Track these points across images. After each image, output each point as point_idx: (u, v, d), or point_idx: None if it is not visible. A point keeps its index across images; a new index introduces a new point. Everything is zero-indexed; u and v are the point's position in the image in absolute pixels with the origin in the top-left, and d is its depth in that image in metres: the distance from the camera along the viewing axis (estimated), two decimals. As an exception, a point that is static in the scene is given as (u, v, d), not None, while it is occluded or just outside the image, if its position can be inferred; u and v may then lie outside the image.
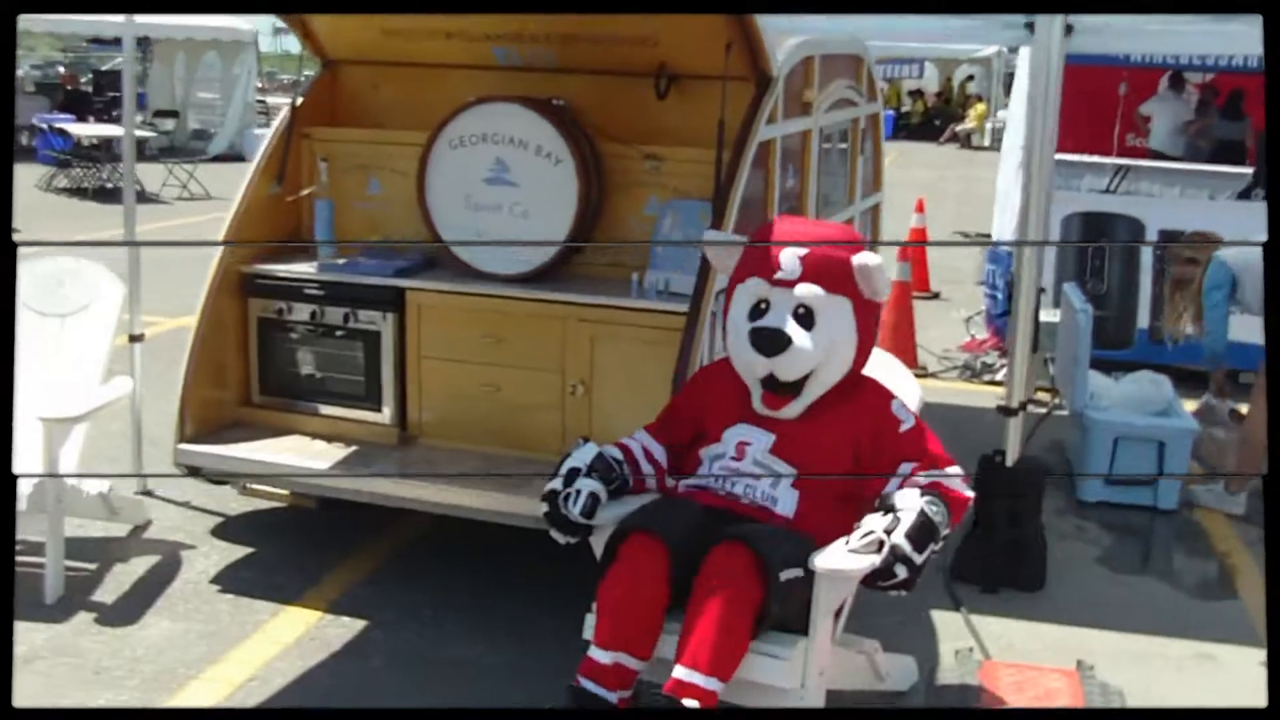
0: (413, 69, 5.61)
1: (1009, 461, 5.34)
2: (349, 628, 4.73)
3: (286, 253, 5.51)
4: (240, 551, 5.33)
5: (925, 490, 3.78)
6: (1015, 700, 4.34)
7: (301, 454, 5.07)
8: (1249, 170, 11.23)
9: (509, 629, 4.74)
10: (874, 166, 6.94)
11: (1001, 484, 5.31)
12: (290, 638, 4.64)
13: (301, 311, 5.28)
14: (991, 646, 4.82)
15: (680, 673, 3.53)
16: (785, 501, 3.87)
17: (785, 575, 3.58)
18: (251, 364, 5.39)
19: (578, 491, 3.86)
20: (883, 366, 4.37)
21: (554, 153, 5.05)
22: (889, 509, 3.76)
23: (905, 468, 3.86)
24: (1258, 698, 4.41)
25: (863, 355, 4.02)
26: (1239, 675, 4.71)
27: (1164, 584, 5.61)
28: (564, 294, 4.98)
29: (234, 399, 5.38)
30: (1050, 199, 5.38)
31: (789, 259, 3.90)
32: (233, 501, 5.74)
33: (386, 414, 5.24)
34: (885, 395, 4.06)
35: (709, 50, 4.88)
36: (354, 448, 5.13)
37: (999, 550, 5.31)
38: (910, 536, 3.65)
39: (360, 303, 5.19)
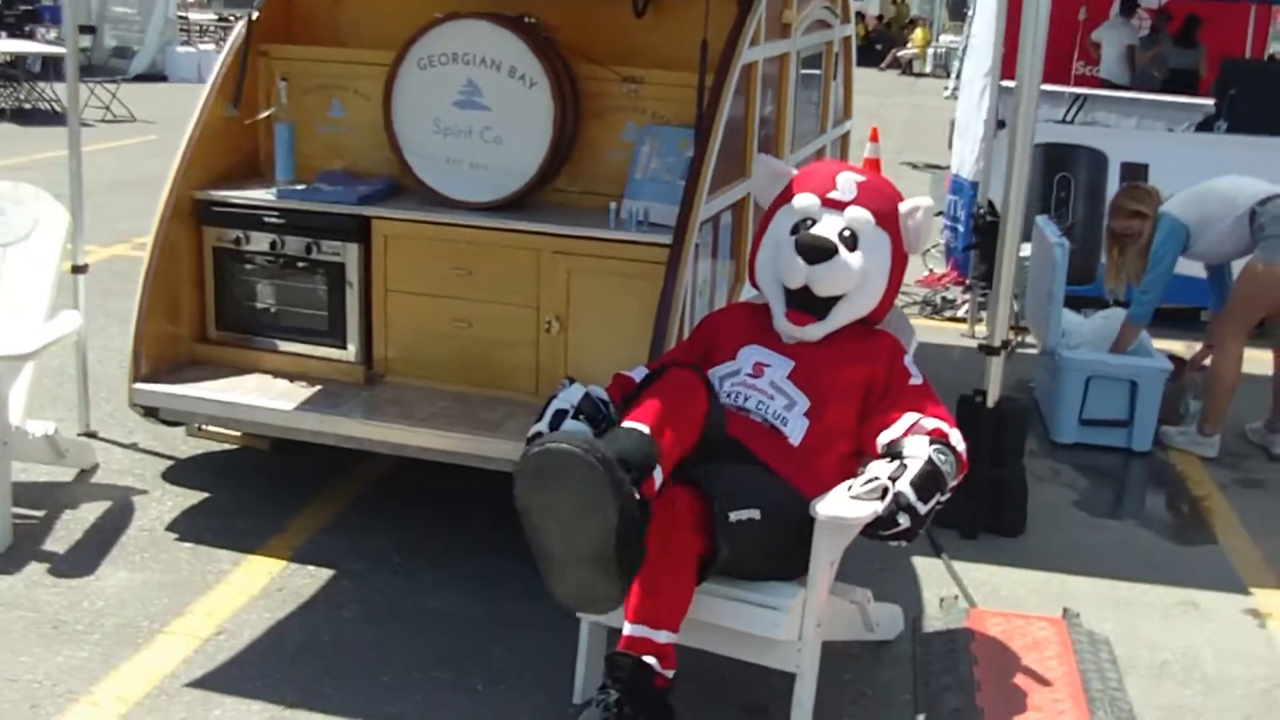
0: (376, -19, 5.30)
1: (990, 402, 5.20)
2: (316, 577, 4.50)
3: (242, 178, 5.20)
4: (195, 496, 5.07)
5: (934, 439, 3.64)
6: (1006, 647, 4.23)
7: (264, 393, 4.79)
8: (1207, 102, 11.11)
9: (484, 578, 4.54)
10: (845, 93, 6.72)
11: (984, 426, 5.17)
12: (255, 588, 4.41)
13: (260, 241, 4.98)
14: (975, 593, 4.70)
15: (629, 629, 3.38)
16: (795, 426, 3.74)
17: (735, 516, 3.41)
18: (207, 297, 5.09)
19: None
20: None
21: (528, 74, 4.78)
22: (895, 456, 3.62)
23: (912, 418, 3.72)
24: (1244, 644, 4.41)
25: (887, 300, 3.95)
26: (1224, 621, 4.64)
27: (1143, 529, 5.51)
28: (539, 224, 4.73)
29: (189, 334, 5.08)
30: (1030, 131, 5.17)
31: (845, 180, 3.89)
32: (182, 444, 5.47)
33: (351, 351, 4.97)
34: (899, 347, 3.98)
35: (689, -35, 4.65)
36: (318, 386, 4.86)
37: (980, 495, 5.15)
38: (916, 485, 3.52)
39: (323, 232, 4.90)
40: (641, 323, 4.60)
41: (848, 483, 3.60)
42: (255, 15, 5.12)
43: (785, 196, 3.99)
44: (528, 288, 4.75)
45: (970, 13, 22.53)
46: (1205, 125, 10.06)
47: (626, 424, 3.41)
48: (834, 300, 3.85)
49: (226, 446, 5.46)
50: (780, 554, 3.59)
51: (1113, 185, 8.56)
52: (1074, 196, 8.85)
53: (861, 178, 3.94)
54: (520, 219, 4.75)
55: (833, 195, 3.88)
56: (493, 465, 4.51)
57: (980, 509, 5.16)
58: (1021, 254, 7.40)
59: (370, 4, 5.36)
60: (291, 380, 4.92)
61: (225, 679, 3.86)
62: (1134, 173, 8.75)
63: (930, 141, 16.97)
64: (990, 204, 8.27)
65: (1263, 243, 6.11)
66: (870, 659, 4.19)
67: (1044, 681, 4.03)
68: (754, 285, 4.04)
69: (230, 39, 5.16)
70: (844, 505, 3.50)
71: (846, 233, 3.85)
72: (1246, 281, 6.20)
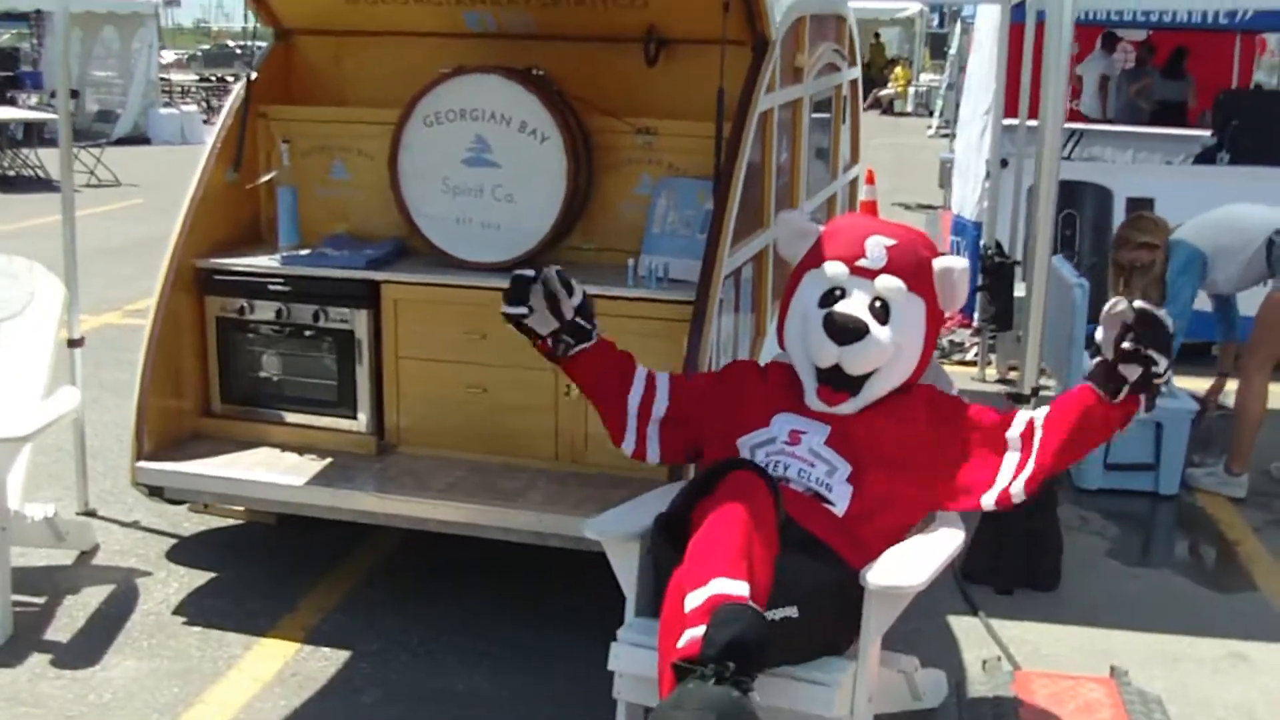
0: (376, 38, 5.14)
1: (1023, 451, 5.03)
2: (332, 660, 4.30)
3: (245, 245, 5.02)
4: (201, 577, 4.86)
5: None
6: (1057, 713, 4.05)
7: (273, 468, 4.60)
8: (1203, 133, 11.04)
9: (509, 656, 4.34)
10: (853, 137, 6.59)
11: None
12: (269, 673, 4.20)
13: (265, 310, 4.80)
14: (1017, 653, 4.51)
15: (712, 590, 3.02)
16: (839, 493, 3.54)
17: (771, 616, 3.11)
18: (211, 369, 4.90)
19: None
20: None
21: (539, 129, 4.63)
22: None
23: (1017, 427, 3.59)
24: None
25: (922, 365, 3.75)
26: (1276, 674, 4.46)
27: (1180, 577, 5.34)
28: (556, 285, 4.55)
29: (193, 408, 4.89)
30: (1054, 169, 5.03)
31: (875, 246, 3.67)
32: (185, 520, 5.26)
33: (362, 421, 4.78)
34: (929, 387, 3.80)
35: (701, 11, 4.51)
36: (329, 459, 4.67)
37: (1013, 548, 4.99)
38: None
39: (330, 298, 4.72)
40: (664, 383, 4.44)
41: (896, 548, 3.44)
42: (254, 75, 4.96)
43: (813, 259, 3.79)
44: (545, 351, 4.57)
45: (950, 50, 22.63)
46: (1205, 157, 9.95)
47: (726, 586, 3.03)
48: (867, 376, 3.67)
49: (231, 522, 5.26)
50: (821, 640, 3.39)
51: (1119, 221, 8.45)
52: (1080, 233, 8.72)
53: (891, 240, 3.71)
54: (536, 279, 4.56)
55: (862, 263, 3.67)
56: (514, 537, 4.34)
57: (1014, 562, 4.99)
58: (1018, 294, 7.30)
59: (371, 62, 5.21)
60: (300, 453, 4.73)
61: (244, 775, 3.66)
62: (1140, 207, 8.59)
63: (919, 181, 16.91)
64: (998, 244, 8.15)
65: (1281, 274, 5.99)
66: (913, 728, 4.01)
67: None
68: (782, 348, 3.85)
69: (229, 101, 4.99)
70: (897, 573, 3.32)
71: (878, 304, 3.65)
72: (1270, 313, 6.07)
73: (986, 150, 8.70)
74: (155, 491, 4.66)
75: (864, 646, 3.37)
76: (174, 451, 4.71)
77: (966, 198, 9.32)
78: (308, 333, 4.77)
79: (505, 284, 4.48)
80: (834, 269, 3.70)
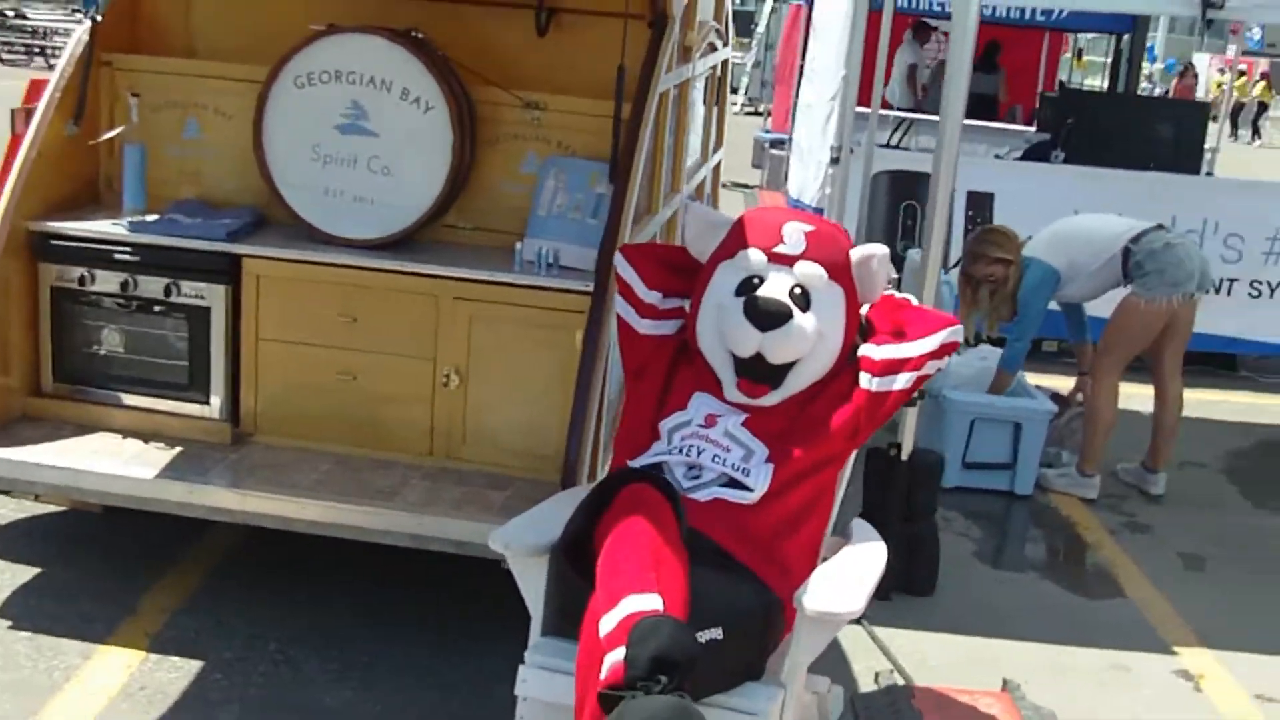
0: (234, -14, 4.69)
1: (905, 453, 4.90)
2: (182, 670, 3.91)
3: (84, 207, 4.53)
4: (25, 573, 4.39)
5: None
6: (957, 730, 3.93)
7: (115, 457, 4.13)
8: (1027, 129, 11.19)
9: (376, 667, 4.01)
10: (720, 119, 6.36)
11: (897, 480, 4.87)
12: (114, 687, 3.80)
13: (108, 281, 4.31)
14: (905, 663, 4.38)
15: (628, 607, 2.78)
16: (757, 476, 3.34)
17: (700, 637, 2.90)
18: (42, 344, 4.38)
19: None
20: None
21: (423, 97, 4.27)
22: None
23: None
24: (1187, 713, 4.21)
25: (841, 358, 3.52)
26: (1159, 687, 4.48)
27: (1049, 582, 5.32)
28: (438, 266, 4.21)
29: (20, 387, 4.38)
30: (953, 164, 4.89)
31: (793, 232, 3.47)
32: (1, 506, 4.76)
33: (215, 406, 4.34)
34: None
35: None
36: (178, 448, 4.22)
37: (892, 553, 4.84)
38: None
39: (184, 271, 4.26)
40: (553, 376, 4.19)
41: (824, 568, 3.23)
42: (98, 18, 4.46)
43: (726, 249, 3.56)
44: (423, 337, 4.23)
45: (757, 29, 22.64)
46: (1036, 154, 10.05)
47: (638, 603, 2.79)
48: (788, 366, 3.47)
49: (49, 509, 4.77)
50: (741, 663, 3.17)
51: (959, 213, 8.45)
52: (920, 224, 8.68)
53: (809, 227, 3.53)
54: (415, 259, 4.22)
55: (780, 249, 3.47)
56: (390, 539, 3.99)
57: (893, 567, 4.84)
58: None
59: (229, 11, 4.75)
60: (145, 440, 4.27)
61: (95, 809, 3.27)
62: (979, 201, 8.65)
63: (730, 159, 16.81)
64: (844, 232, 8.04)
65: (1141, 279, 6.00)
66: (817, 750, 3.82)
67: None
68: (695, 348, 3.59)
69: (69, 46, 4.48)
70: (834, 598, 3.11)
71: (797, 290, 3.44)
72: (1125, 317, 6.07)
73: (831, 136, 8.57)
74: (-17, 483, 4.15)
75: (793, 672, 3.16)
76: (1, 435, 4.21)
77: (808, 183, 9.20)
78: (157, 308, 4.32)
79: (386, 264, 4.20)
80: (751, 256, 3.49)
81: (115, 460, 4.13)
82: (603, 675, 2.75)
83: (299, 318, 4.29)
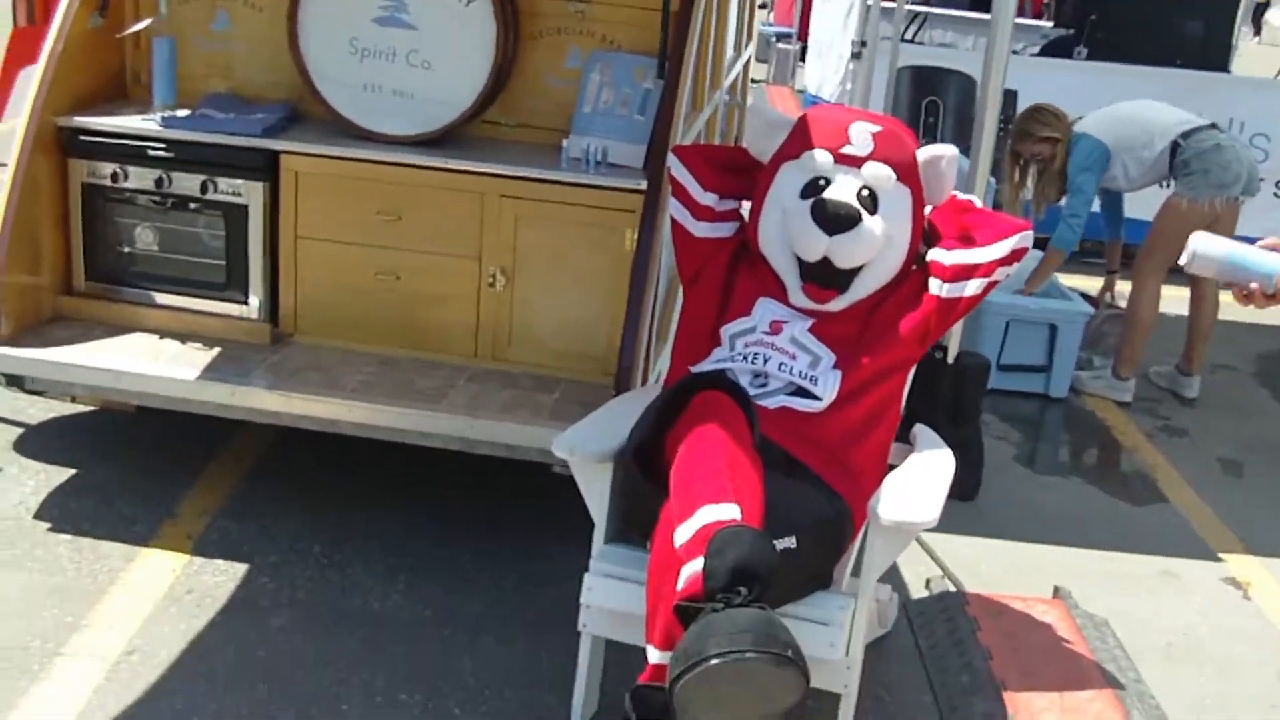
0: None
1: (951, 356, 4.81)
2: (228, 574, 3.84)
3: (111, 102, 4.38)
4: (61, 474, 4.30)
5: None
6: (1016, 637, 3.87)
7: (155, 358, 4.03)
8: (1045, 24, 10.96)
9: (422, 570, 3.95)
10: (751, 13, 6.20)
11: (943, 383, 4.79)
12: (159, 590, 3.72)
13: (142, 178, 4.17)
14: (955, 569, 4.33)
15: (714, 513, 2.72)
16: (826, 383, 3.28)
17: (779, 545, 2.85)
18: (74, 242, 4.26)
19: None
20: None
21: (465, -12, 4.13)
22: None
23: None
24: (1238, 620, 4.18)
25: (909, 261, 3.42)
26: (1208, 594, 4.45)
27: (1091, 486, 5.28)
28: (481, 163, 4.09)
29: (51, 286, 4.26)
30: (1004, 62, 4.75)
31: (860, 133, 3.37)
32: (30, 407, 4.64)
33: (254, 305, 4.23)
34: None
35: None
36: (217, 349, 4.12)
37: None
38: None
39: (220, 168, 4.13)
40: (600, 277, 4.10)
41: (896, 476, 3.16)
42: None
43: (790, 149, 3.45)
44: (468, 236, 4.12)
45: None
46: (1057, 49, 9.87)
47: (715, 512, 2.71)
48: (856, 270, 3.37)
49: (79, 409, 4.68)
50: (811, 573, 3.11)
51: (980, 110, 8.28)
52: (942, 121, 8.55)
53: (876, 127, 3.42)
54: (461, 157, 4.10)
55: (847, 150, 3.37)
56: (437, 442, 3.91)
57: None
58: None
59: (259, -102, 4.57)
60: (183, 341, 4.17)
61: (152, 713, 3.19)
62: (1004, 100, 8.48)
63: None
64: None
65: (1186, 178, 5.90)
66: (873, 656, 3.74)
67: (1065, 677, 3.68)
68: (757, 251, 3.49)
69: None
70: (910, 508, 3.05)
71: (865, 193, 3.35)
72: (1168, 218, 5.97)
73: (853, 30, 8.42)
74: (14, 381, 4.04)
75: (867, 584, 3.11)
76: (34, 336, 4.10)
77: (827, 78, 9.05)
78: (192, 205, 4.19)
79: (430, 161, 4.07)
80: (817, 157, 3.39)
81: (154, 361, 4.03)
82: (680, 586, 2.69)
83: (339, 216, 4.17)
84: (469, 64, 4.17)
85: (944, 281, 3.37)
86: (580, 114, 4.24)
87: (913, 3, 13.43)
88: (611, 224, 4.02)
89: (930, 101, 8.62)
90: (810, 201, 3.34)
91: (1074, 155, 6.06)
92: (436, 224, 4.13)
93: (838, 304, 3.38)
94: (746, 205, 3.54)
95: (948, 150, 3.47)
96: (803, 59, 12.08)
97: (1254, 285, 2.68)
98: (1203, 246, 2.74)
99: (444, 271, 4.16)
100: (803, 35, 12.76)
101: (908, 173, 3.41)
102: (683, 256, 3.57)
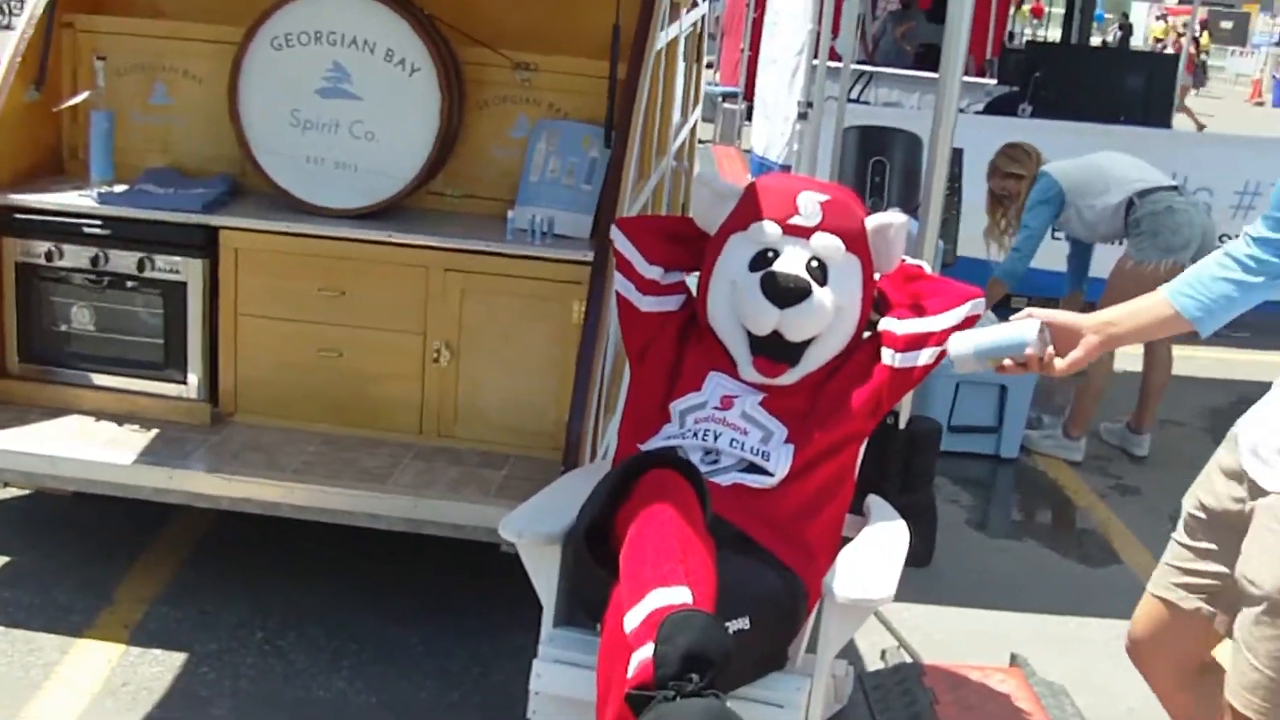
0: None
1: (902, 422, 4.78)
2: (167, 663, 3.72)
3: (47, 177, 4.29)
4: (-7, 561, 4.20)
5: None
6: (973, 709, 3.82)
7: (91, 441, 3.93)
8: (989, 81, 11.06)
9: (368, 655, 3.85)
10: (698, 77, 6.18)
11: (894, 449, 4.74)
12: (96, 684, 3.61)
13: (77, 256, 4.08)
14: (910, 638, 4.27)
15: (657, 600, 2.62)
16: (778, 458, 3.21)
17: (731, 627, 2.78)
18: (8, 323, 4.15)
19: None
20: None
21: (408, 58, 4.06)
22: None
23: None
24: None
25: (859, 331, 3.39)
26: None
27: (1046, 549, 5.24)
28: (425, 236, 4.02)
29: (-14, 368, 4.16)
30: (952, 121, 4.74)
31: (808, 202, 3.31)
32: (-37, 492, 4.54)
33: (193, 385, 4.13)
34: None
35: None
36: (155, 431, 4.02)
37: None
38: None
39: (158, 245, 4.04)
40: (547, 351, 4.04)
41: (850, 551, 3.10)
42: (58, -24, 4.22)
43: (737, 221, 3.40)
44: (413, 311, 4.05)
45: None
46: (1001, 107, 9.94)
47: (665, 596, 2.63)
48: (807, 343, 3.32)
49: (13, 493, 4.56)
50: (765, 653, 3.04)
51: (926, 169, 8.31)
52: (889, 180, 8.55)
53: (824, 196, 3.38)
54: (405, 230, 4.03)
55: (796, 221, 3.32)
56: (383, 524, 3.82)
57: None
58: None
59: (196, -32, 4.51)
60: (120, 423, 4.06)
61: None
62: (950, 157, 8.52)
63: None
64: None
65: (1136, 238, 5.91)
66: (829, 731, 3.70)
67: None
68: (705, 325, 3.43)
69: (29, 5, 4.23)
70: (865, 585, 2.99)
71: (814, 263, 3.30)
72: (1117, 278, 5.98)
73: (799, 91, 8.43)
74: (-55, 468, 3.93)
75: (822, 662, 3.04)
76: (-34, 417, 4.00)
77: (773, 139, 9.05)
78: (129, 283, 4.10)
79: (373, 235, 4.01)
80: (766, 229, 3.33)
81: (90, 444, 3.93)
82: (630, 673, 2.60)
83: (280, 292, 4.09)
84: (413, 134, 4.11)
85: (896, 351, 3.32)
86: (526, 184, 4.20)
87: (858, 62, 13.63)
88: (558, 296, 3.97)
89: (877, 161, 8.61)
90: (760, 274, 3.29)
91: (1032, 192, 6.10)
92: (380, 299, 4.06)
93: (789, 377, 3.33)
94: (694, 278, 3.49)
95: (896, 218, 3.43)
96: (749, 118, 12.11)
97: (1008, 363, 2.75)
98: (953, 348, 2.84)
99: (388, 347, 4.09)
100: (749, 95, 12.81)
101: (857, 242, 3.37)
102: (629, 331, 3.51)
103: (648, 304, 3.46)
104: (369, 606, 4.09)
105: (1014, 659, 4.16)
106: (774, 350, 3.30)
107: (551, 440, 3.98)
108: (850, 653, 4.11)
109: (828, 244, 3.32)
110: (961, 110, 10.47)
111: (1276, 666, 2.49)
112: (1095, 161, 6.21)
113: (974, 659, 4.13)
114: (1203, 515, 2.76)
